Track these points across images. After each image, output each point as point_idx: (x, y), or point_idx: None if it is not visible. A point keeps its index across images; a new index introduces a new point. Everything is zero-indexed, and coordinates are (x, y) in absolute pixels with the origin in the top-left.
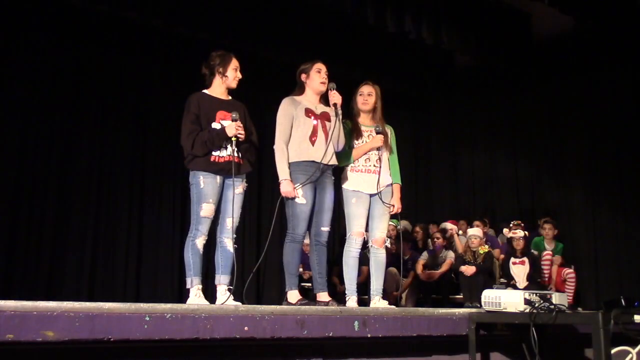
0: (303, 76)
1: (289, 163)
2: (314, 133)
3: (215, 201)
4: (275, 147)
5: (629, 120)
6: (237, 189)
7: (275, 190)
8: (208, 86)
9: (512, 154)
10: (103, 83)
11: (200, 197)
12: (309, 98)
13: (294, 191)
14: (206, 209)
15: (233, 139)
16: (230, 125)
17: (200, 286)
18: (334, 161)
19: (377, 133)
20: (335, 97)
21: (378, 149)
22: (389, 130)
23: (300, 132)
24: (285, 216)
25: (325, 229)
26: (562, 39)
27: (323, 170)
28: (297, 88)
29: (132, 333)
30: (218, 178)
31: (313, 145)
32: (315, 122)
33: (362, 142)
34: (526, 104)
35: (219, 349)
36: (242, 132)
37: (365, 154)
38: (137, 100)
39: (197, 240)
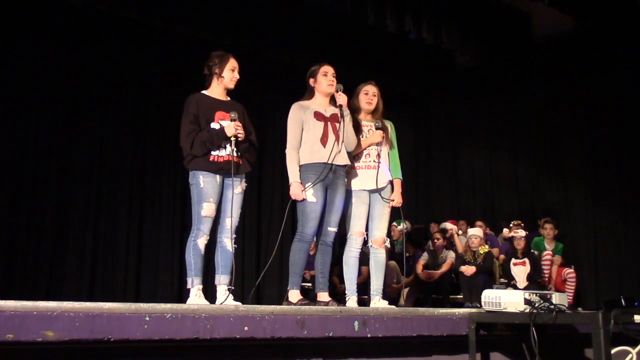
0: (311, 80)
1: (301, 165)
2: (324, 135)
3: (215, 200)
4: (286, 151)
5: (629, 120)
6: (237, 188)
7: (275, 192)
8: (207, 87)
9: (512, 154)
10: (103, 83)
11: (201, 196)
12: (319, 101)
13: (303, 193)
14: (207, 208)
15: (232, 139)
16: (229, 125)
17: (201, 286)
18: (345, 161)
19: (377, 129)
20: (341, 99)
21: (378, 144)
22: (389, 125)
23: (311, 135)
24: (289, 219)
25: (333, 229)
26: (562, 39)
27: (335, 171)
28: (307, 92)
29: (132, 333)
30: (218, 177)
31: (324, 146)
32: (325, 124)
33: (362, 137)
34: (526, 104)
35: (219, 349)
36: (242, 131)
37: (365, 149)
38: (137, 100)
39: (199, 240)
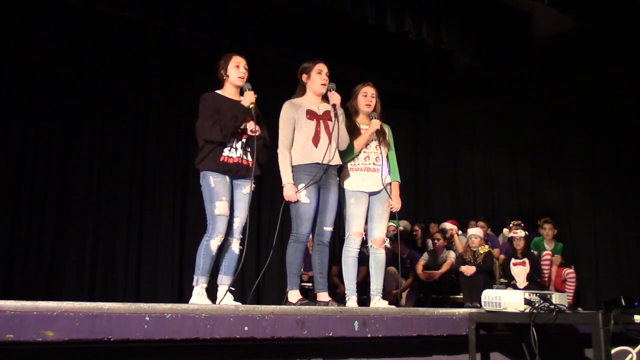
0: (304, 76)
1: (294, 166)
2: (316, 135)
3: (228, 199)
4: (278, 151)
5: (629, 120)
6: (245, 189)
7: (275, 192)
8: (221, 87)
9: (512, 154)
10: (103, 83)
11: (213, 195)
12: (310, 98)
13: (297, 194)
14: (220, 207)
15: (250, 132)
16: (245, 96)
17: (205, 286)
18: (337, 161)
19: (372, 119)
20: (334, 98)
21: (377, 147)
22: (387, 128)
23: (303, 134)
24: (287, 218)
25: (328, 229)
26: (562, 39)
27: (327, 171)
28: (299, 88)
29: (132, 333)
30: (227, 178)
31: (316, 147)
32: (317, 123)
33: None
34: (526, 104)
35: (219, 349)
36: (258, 129)
37: (365, 152)
38: (137, 99)
39: (212, 242)
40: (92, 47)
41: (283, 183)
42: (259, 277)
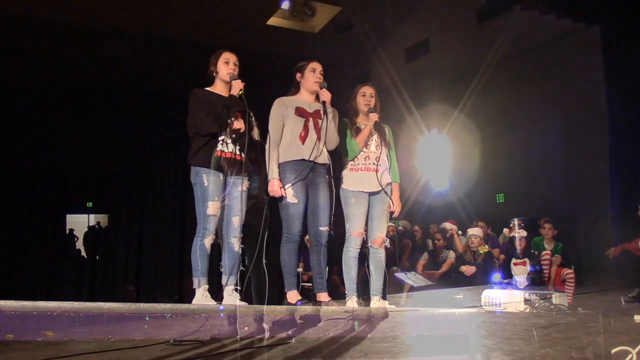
0: (298, 75)
1: (280, 163)
2: (304, 132)
3: (220, 199)
4: (266, 147)
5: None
6: (240, 187)
7: None
8: (210, 85)
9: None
10: (104, 83)
11: (206, 195)
12: (304, 97)
13: (281, 190)
14: (212, 207)
15: (236, 127)
16: (233, 84)
17: (207, 286)
18: (325, 159)
19: (370, 112)
20: (325, 95)
21: (377, 147)
22: (387, 128)
23: (291, 131)
24: (274, 214)
25: (324, 228)
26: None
27: (314, 169)
28: (293, 86)
29: (132, 333)
30: (221, 175)
31: (303, 143)
32: (306, 120)
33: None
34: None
35: (219, 349)
36: (241, 123)
37: (364, 151)
38: (137, 100)
39: (206, 240)
40: (92, 46)
41: (268, 178)
42: (247, 274)
